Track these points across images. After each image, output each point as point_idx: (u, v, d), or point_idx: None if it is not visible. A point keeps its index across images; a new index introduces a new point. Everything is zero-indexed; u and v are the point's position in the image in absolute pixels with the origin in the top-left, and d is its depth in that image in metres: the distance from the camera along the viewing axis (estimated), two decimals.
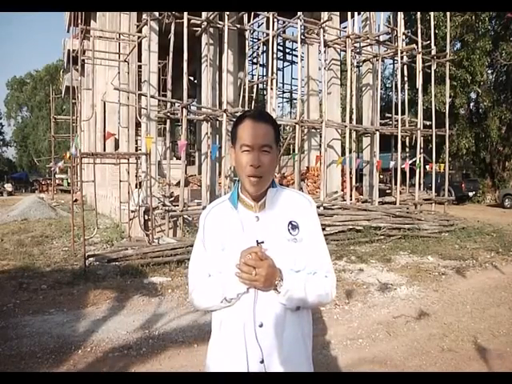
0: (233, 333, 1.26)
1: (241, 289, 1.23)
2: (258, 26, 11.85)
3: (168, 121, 9.13)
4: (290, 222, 1.31)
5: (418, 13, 12.25)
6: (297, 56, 13.13)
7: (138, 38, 9.05)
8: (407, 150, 12.38)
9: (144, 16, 8.94)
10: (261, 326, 1.23)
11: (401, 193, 11.22)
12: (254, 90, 12.29)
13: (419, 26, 11.78)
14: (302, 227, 1.31)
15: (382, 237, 8.55)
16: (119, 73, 9.80)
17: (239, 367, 1.23)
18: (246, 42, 10.09)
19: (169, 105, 10.14)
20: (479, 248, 7.87)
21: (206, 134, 9.00)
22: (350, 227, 8.68)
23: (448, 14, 13.05)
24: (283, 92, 18.81)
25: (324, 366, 3.20)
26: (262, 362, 1.22)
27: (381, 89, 14.47)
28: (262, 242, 1.26)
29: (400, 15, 11.29)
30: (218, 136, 9.73)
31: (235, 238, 1.28)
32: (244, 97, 10.18)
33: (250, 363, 1.23)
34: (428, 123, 11.93)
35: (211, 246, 1.32)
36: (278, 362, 1.24)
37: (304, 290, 1.25)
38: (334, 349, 3.53)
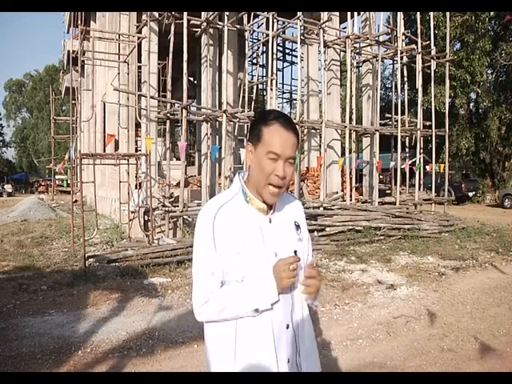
0: (261, 336, 1.22)
1: (274, 298, 1.20)
2: (258, 27, 11.83)
3: (168, 121, 9.12)
4: (295, 223, 1.36)
5: (418, 13, 12.26)
6: (296, 56, 13.13)
7: (138, 38, 9.06)
8: (407, 150, 12.37)
9: (144, 17, 8.95)
10: (287, 327, 1.26)
11: (401, 193, 11.21)
12: (254, 90, 12.27)
13: (419, 26, 11.79)
14: (301, 226, 1.38)
15: (382, 237, 8.56)
16: (119, 73, 9.80)
17: (269, 368, 1.22)
18: (246, 42, 10.09)
19: (169, 105, 10.12)
20: (479, 248, 7.88)
21: (206, 134, 9.00)
22: (350, 227, 8.70)
23: (448, 14, 13.05)
24: (283, 92, 18.84)
25: (324, 366, 3.17)
26: (289, 361, 1.25)
27: (380, 89, 14.49)
28: (296, 251, 1.27)
29: (400, 15, 11.30)
30: (217, 137, 9.73)
31: (253, 242, 1.23)
32: (244, 97, 10.18)
33: (280, 364, 1.23)
34: (428, 123, 11.93)
35: (224, 249, 1.22)
36: (304, 360, 1.29)
37: None
38: (334, 349, 3.53)
